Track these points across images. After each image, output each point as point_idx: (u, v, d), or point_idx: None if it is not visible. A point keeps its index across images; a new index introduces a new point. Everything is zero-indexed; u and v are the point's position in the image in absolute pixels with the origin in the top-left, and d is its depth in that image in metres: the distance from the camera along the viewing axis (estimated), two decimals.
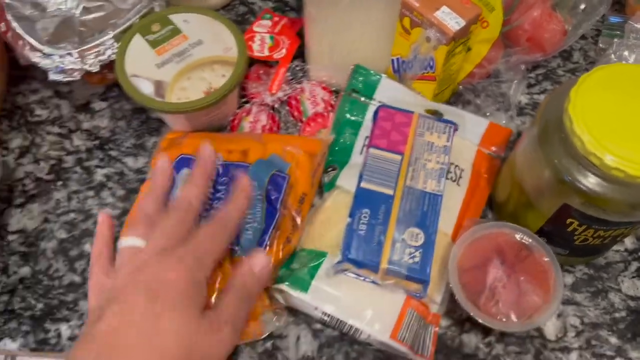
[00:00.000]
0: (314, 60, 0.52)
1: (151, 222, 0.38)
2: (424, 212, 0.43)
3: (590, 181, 0.37)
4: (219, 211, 0.39)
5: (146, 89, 0.46)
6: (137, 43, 0.48)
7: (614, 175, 0.35)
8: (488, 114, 0.53)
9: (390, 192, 0.44)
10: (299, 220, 0.44)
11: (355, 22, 0.47)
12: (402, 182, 0.44)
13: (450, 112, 0.51)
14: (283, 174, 0.44)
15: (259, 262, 0.38)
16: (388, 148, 0.46)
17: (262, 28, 0.56)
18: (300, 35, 0.56)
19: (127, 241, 0.38)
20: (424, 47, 0.45)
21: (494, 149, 0.51)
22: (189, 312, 0.34)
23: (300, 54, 0.55)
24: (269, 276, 0.39)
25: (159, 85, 0.46)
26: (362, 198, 0.44)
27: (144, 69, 0.47)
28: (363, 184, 0.44)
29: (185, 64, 0.48)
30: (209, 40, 0.49)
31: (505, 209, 0.47)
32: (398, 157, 0.46)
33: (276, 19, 0.57)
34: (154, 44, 0.48)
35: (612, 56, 0.51)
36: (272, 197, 0.43)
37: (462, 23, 0.43)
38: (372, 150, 0.46)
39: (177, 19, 0.50)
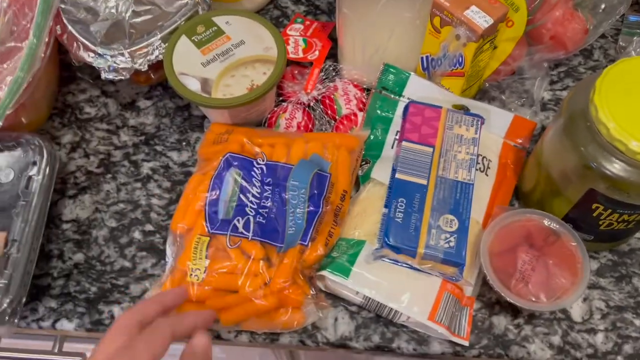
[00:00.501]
0: (346, 60, 0.55)
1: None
2: (457, 200, 0.46)
3: (615, 166, 0.39)
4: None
5: (193, 85, 0.49)
6: (184, 44, 0.52)
7: (639, 160, 0.38)
8: (513, 109, 0.56)
9: (424, 182, 0.47)
10: (340, 216, 0.46)
11: (387, 23, 0.50)
12: (434, 172, 0.47)
13: (477, 106, 0.53)
14: (325, 173, 0.47)
15: (199, 342, 0.38)
16: (419, 141, 0.49)
17: (295, 32, 0.59)
18: (332, 38, 0.59)
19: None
20: (454, 44, 0.48)
21: (519, 141, 0.53)
22: None
23: (331, 55, 0.58)
24: (210, 352, 0.39)
25: (205, 83, 0.50)
26: (398, 188, 0.46)
27: (190, 67, 0.50)
28: (398, 175, 0.47)
29: (228, 62, 0.51)
30: (250, 41, 0.52)
31: (532, 198, 0.50)
32: (429, 150, 0.48)
33: (307, 22, 0.61)
34: (199, 44, 0.52)
35: (633, 53, 0.53)
36: (315, 195, 0.46)
37: (491, 21, 0.45)
38: (404, 144, 0.49)
39: (220, 21, 0.53)
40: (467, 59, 0.49)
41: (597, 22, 0.55)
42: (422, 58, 0.53)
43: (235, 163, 0.48)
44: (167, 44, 0.51)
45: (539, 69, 0.56)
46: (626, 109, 0.38)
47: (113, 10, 0.53)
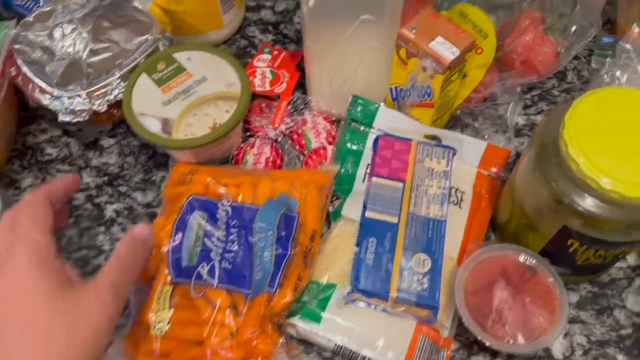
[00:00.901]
0: (314, 92, 0.54)
1: None
2: (429, 238, 0.44)
3: (588, 203, 0.38)
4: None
5: (153, 126, 0.48)
6: (144, 82, 0.50)
7: (611, 197, 0.36)
8: (486, 136, 0.54)
9: (394, 219, 0.45)
10: (309, 257, 0.45)
11: (353, 55, 0.48)
12: (405, 209, 0.46)
13: (449, 136, 0.52)
14: (293, 213, 0.45)
15: (139, 229, 0.41)
16: (389, 176, 0.47)
17: (262, 63, 0.57)
18: (300, 68, 0.57)
19: None
20: (421, 76, 0.47)
21: (493, 170, 0.52)
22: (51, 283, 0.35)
23: (301, 84, 0.56)
24: (151, 243, 0.42)
25: (165, 123, 0.48)
26: (368, 227, 0.45)
27: (150, 107, 0.49)
28: (368, 214, 0.45)
29: (190, 100, 0.49)
30: (213, 77, 0.50)
31: (507, 230, 0.48)
32: (400, 185, 0.47)
33: (275, 52, 0.59)
34: (159, 82, 0.50)
35: (605, 76, 0.52)
36: (283, 237, 0.44)
37: (457, 52, 0.44)
38: (374, 179, 0.47)
39: (181, 57, 0.52)
40: (435, 91, 0.47)
41: (568, 45, 0.54)
42: (391, 88, 0.52)
43: (200, 205, 0.46)
44: (126, 83, 0.50)
45: (512, 94, 0.55)
46: (596, 144, 0.37)
47: (70, 50, 0.51)
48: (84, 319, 0.34)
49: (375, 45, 0.47)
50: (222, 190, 0.47)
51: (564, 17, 0.52)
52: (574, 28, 0.53)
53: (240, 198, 0.47)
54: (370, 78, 0.51)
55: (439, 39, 0.45)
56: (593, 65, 0.57)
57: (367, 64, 0.49)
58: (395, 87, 0.51)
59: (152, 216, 0.52)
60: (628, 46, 0.51)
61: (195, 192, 0.47)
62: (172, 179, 0.50)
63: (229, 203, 0.47)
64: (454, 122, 0.56)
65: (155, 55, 0.52)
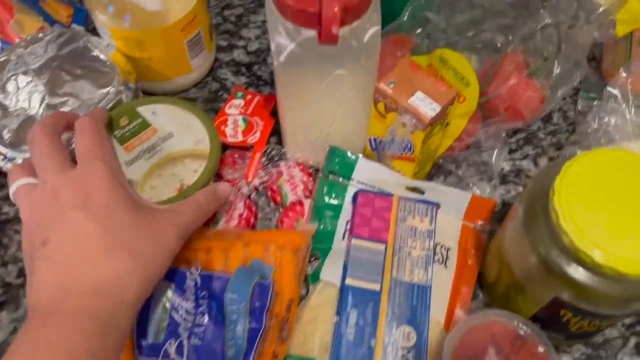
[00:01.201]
0: (289, 142, 0.51)
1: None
2: (414, 307, 0.41)
3: (581, 274, 0.35)
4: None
5: None
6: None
7: (606, 272, 0.34)
8: (471, 184, 0.52)
9: (376, 287, 0.42)
10: (286, 329, 0.42)
11: (329, 107, 0.46)
12: (388, 274, 0.43)
13: (431, 188, 0.49)
14: (267, 281, 0.42)
15: (222, 186, 0.46)
16: (370, 237, 0.44)
17: (234, 109, 0.54)
18: (274, 113, 0.54)
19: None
20: (401, 130, 0.44)
21: (479, 222, 0.49)
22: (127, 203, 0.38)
23: (275, 131, 0.54)
24: (226, 199, 0.47)
25: (128, 185, 0.44)
26: (349, 296, 0.42)
27: None
28: (348, 281, 0.42)
29: (155, 160, 0.46)
30: (180, 132, 0.47)
31: (496, 291, 0.45)
32: (382, 247, 0.44)
33: (249, 97, 0.56)
34: (122, 140, 0.47)
35: (593, 124, 0.50)
36: (257, 309, 0.41)
37: (438, 108, 0.42)
38: (354, 241, 0.44)
39: (145, 111, 0.48)
40: (416, 146, 0.45)
41: (553, 89, 0.51)
42: (370, 139, 0.49)
43: (166, 275, 0.43)
44: None
45: (496, 139, 0.52)
46: (590, 213, 0.35)
47: (25, 105, 0.47)
48: (161, 237, 0.38)
49: (351, 98, 0.44)
50: (190, 257, 0.44)
51: (549, 61, 0.50)
52: (559, 71, 0.51)
53: (210, 266, 0.44)
54: (348, 130, 0.48)
55: (419, 94, 0.42)
56: (579, 107, 0.55)
57: (343, 116, 0.47)
58: (374, 139, 0.49)
59: None
60: (615, 91, 0.49)
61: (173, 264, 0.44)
62: None
63: (198, 272, 0.43)
64: (437, 170, 0.53)
65: (117, 109, 0.48)
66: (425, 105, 0.41)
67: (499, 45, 0.52)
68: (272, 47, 0.41)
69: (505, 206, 0.52)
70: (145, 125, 0.47)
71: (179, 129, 0.48)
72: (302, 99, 0.45)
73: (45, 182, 0.37)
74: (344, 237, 0.47)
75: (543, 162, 0.54)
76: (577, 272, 0.35)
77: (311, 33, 0.39)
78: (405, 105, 0.42)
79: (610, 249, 0.33)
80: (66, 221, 0.36)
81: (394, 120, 0.44)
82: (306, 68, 0.42)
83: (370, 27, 0.40)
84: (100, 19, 0.50)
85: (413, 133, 0.43)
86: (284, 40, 0.41)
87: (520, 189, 0.53)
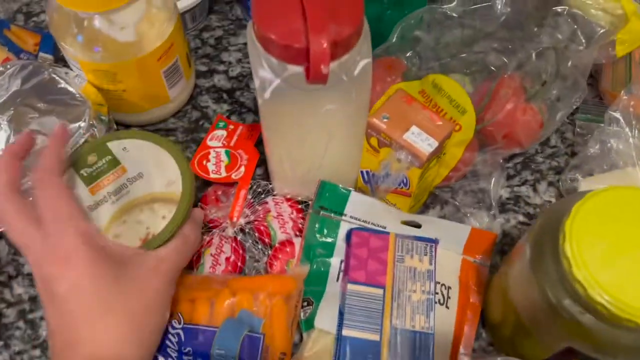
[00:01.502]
0: (276, 177, 0.48)
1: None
2: (416, 357, 0.39)
3: (596, 325, 0.33)
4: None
5: None
6: (70, 180, 0.42)
7: (624, 324, 0.31)
8: (468, 214, 0.49)
9: (376, 337, 0.39)
10: None
11: (318, 141, 0.43)
12: (387, 322, 0.40)
13: (429, 222, 0.46)
14: (257, 334, 0.39)
15: (196, 212, 0.44)
16: (367, 282, 0.41)
17: (216, 141, 0.51)
18: (259, 144, 0.51)
19: None
20: (396, 166, 0.41)
21: (479, 256, 0.46)
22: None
23: (262, 161, 0.50)
24: (202, 222, 0.45)
25: None
26: (346, 348, 0.39)
27: None
28: (345, 331, 0.39)
29: (121, 204, 0.42)
30: (150, 172, 0.43)
31: (501, 333, 0.43)
32: (380, 292, 0.41)
33: (231, 127, 0.53)
34: (88, 180, 0.43)
35: (594, 147, 0.48)
36: None
37: (435, 144, 0.39)
38: (350, 287, 0.41)
39: (115, 147, 0.44)
40: (412, 182, 0.42)
41: (552, 112, 0.49)
42: (362, 172, 0.46)
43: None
44: None
45: (493, 166, 0.50)
46: (604, 261, 0.32)
47: None
48: (150, 292, 0.37)
49: (342, 132, 0.42)
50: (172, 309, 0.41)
51: (547, 84, 0.47)
52: (557, 94, 0.48)
53: (194, 318, 0.40)
54: (339, 163, 0.45)
55: (414, 129, 0.39)
56: (578, 129, 0.52)
57: (334, 150, 0.43)
58: (367, 172, 0.46)
59: None
60: (617, 115, 0.46)
61: None
62: None
63: (180, 325, 0.40)
64: (432, 199, 0.50)
65: (86, 145, 0.44)
66: (422, 141, 0.39)
67: (492, 67, 0.49)
68: (256, 83, 0.38)
69: (506, 236, 0.49)
70: (114, 163, 0.43)
71: (149, 169, 0.44)
72: (289, 135, 0.42)
73: (28, 248, 0.37)
74: (338, 279, 0.44)
75: (542, 187, 0.52)
76: (592, 323, 0.33)
77: (298, 69, 0.36)
78: (400, 141, 0.39)
79: (627, 298, 0.31)
80: (55, 295, 0.35)
81: (388, 155, 0.41)
82: (293, 103, 0.39)
83: (360, 60, 0.38)
84: (69, 51, 0.46)
85: (409, 169, 0.41)
86: (269, 75, 0.38)
87: (520, 217, 0.50)
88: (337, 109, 0.39)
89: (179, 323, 0.40)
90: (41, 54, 0.55)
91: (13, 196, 0.37)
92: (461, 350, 0.42)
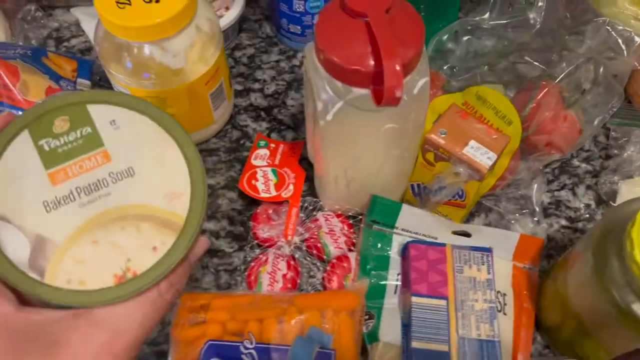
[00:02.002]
0: (327, 194, 0.49)
1: None
2: None
3: None
4: None
5: (16, 248, 0.26)
6: (21, 149, 0.27)
7: None
8: (513, 221, 0.51)
9: (444, 348, 0.40)
10: None
11: (376, 158, 0.44)
12: (454, 332, 0.41)
13: (478, 231, 0.48)
14: (328, 350, 0.40)
15: (199, 250, 0.30)
16: (430, 293, 0.43)
17: (261, 160, 0.52)
18: (301, 161, 0.52)
19: None
20: (452, 179, 0.42)
21: (528, 262, 0.48)
22: None
23: (306, 178, 0.51)
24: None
25: (39, 246, 0.26)
26: None
27: (20, 206, 0.27)
28: (415, 344, 0.40)
29: (94, 211, 0.27)
30: (146, 172, 0.28)
31: (559, 337, 0.44)
32: (443, 303, 0.42)
33: (272, 145, 0.54)
34: (50, 158, 0.27)
35: (630, 150, 0.49)
36: None
37: (494, 157, 0.40)
38: (414, 299, 0.42)
39: (101, 115, 0.29)
40: (469, 194, 0.43)
41: (589, 119, 0.51)
42: (412, 185, 0.48)
43: (219, 353, 0.40)
44: None
45: (534, 173, 0.51)
46: None
47: None
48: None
49: (399, 149, 0.43)
50: (241, 328, 0.41)
51: (586, 93, 0.49)
52: (595, 102, 0.50)
53: (264, 337, 0.41)
54: (390, 179, 0.46)
55: (473, 143, 0.40)
56: (612, 133, 0.54)
57: (389, 166, 0.45)
58: (418, 185, 0.47)
59: (160, 355, 0.45)
60: None
61: (211, 337, 0.41)
62: (181, 316, 0.43)
63: (252, 346, 0.41)
64: (477, 208, 0.52)
65: (55, 99, 0.28)
66: (481, 155, 0.40)
67: (529, 77, 0.51)
68: (318, 106, 0.39)
69: (550, 241, 0.51)
70: (93, 141, 0.28)
71: (145, 165, 0.28)
72: (348, 154, 0.43)
73: None
74: (395, 292, 0.45)
75: (581, 191, 0.53)
76: None
77: (362, 91, 0.37)
78: (460, 155, 0.40)
79: None
80: None
81: (445, 169, 0.42)
82: (354, 124, 0.40)
83: (419, 79, 0.39)
84: (118, 78, 0.47)
85: (466, 182, 0.42)
86: (331, 98, 0.39)
87: (563, 221, 0.52)
88: (396, 128, 0.40)
89: (251, 343, 0.41)
90: (79, 80, 0.56)
91: None
92: (520, 353, 0.43)
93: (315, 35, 0.37)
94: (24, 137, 0.28)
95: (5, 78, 0.49)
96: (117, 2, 0.42)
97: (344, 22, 0.36)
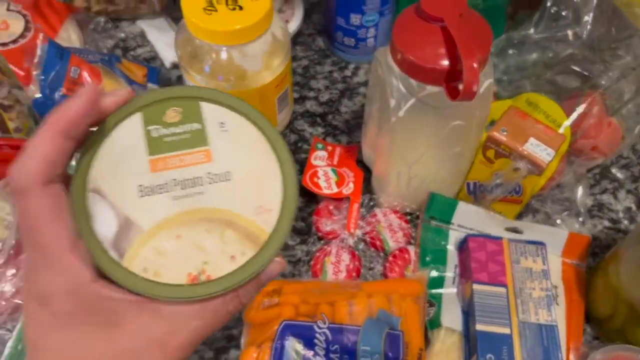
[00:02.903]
0: (386, 191, 0.52)
1: None
2: (546, 347, 0.42)
3: None
4: None
5: (104, 224, 0.27)
6: (131, 130, 0.28)
7: None
8: (559, 221, 0.54)
9: (507, 330, 0.43)
10: None
11: (439, 155, 0.47)
12: (514, 317, 0.44)
13: (529, 228, 0.51)
14: (396, 331, 0.42)
15: (273, 268, 0.29)
16: (490, 281, 0.45)
17: (320, 161, 0.55)
18: (358, 162, 0.56)
19: None
20: (511, 175, 0.46)
21: (577, 259, 0.51)
22: None
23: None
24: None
25: (125, 228, 0.27)
26: (483, 342, 0.42)
27: (117, 185, 0.28)
28: (479, 326, 0.43)
29: (185, 207, 0.27)
30: (242, 180, 0.29)
31: (610, 326, 0.47)
32: (503, 290, 0.45)
33: (329, 148, 0.57)
34: (154, 145, 0.28)
35: None
36: None
37: (553, 154, 0.43)
38: (475, 287, 0.45)
39: (212, 114, 0.30)
40: (526, 189, 0.46)
41: (630, 125, 0.54)
42: (468, 183, 0.51)
43: (294, 332, 0.43)
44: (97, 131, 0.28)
45: (578, 177, 0.54)
46: None
47: None
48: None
49: (461, 146, 0.46)
50: (314, 310, 0.44)
51: (628, 101, 0.52)
52: (637, 111, 0.53)
53: (336, 318, 0.44)
54: (448, 177, 0.50)
55: (532, 140, 0.44)
56: None
57: (449, 163, 0.48)
58: (475, 183, 0.50)
59: (230, 339, 0.48)
60: None
61: (286, 317, 0.44)
62: (255, 300, 0.46)
63: (326, 325, 0.43)
64: (525, 209, 0.55)
65: (170, 90, 0.30)
66: (541, 151, 0.43)
67: (575, 87, 0.54)
68: (392, 103, 0.43)
69: (595, 240, 0.54)
70: (200, 139, 0.28)
71: (243, 172, 0.29)
72: (414, 151, 0.46)
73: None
74: (453, 282, 0.48)
75: (622, 195, 0.56)
76: None
77: (435, 89, 0.41)
78: (521, 151, 0.43)
79: None
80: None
81: (505, 165, 0.45)
82: (422, 120, 0.44)
83: (485, 80, 0.42)
84: (196, 78, 0.51)
85: (525, 177, 0.45)
86: (404, 95, 0.42)
87: (606, 222, 0.55)
88: (461, 125, 0.44)
89: (324, 323, 0.43)
90: (149, 85, 0.60)
91: (40, 195, 0.25)
92: (572, 342, 0.46)
93: (392, 37, 0.41)
94: (136, 119, 0.28)
95: (88, 79, 0.53)
96: (204, 9, 0.47)
97: (420, 26, 0.40)
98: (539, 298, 0.45)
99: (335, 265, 0.49)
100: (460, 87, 0.39)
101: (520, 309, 0.44)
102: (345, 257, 0.50)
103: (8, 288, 0.42)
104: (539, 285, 0.45)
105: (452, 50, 0.39)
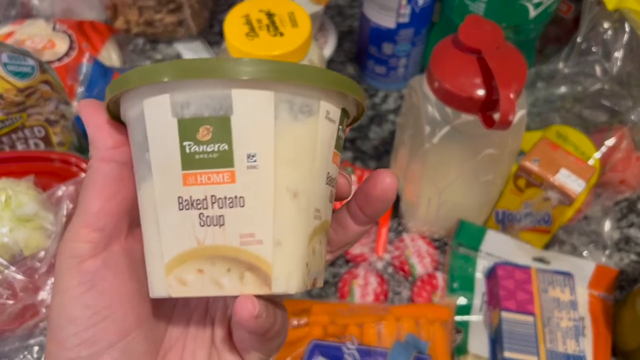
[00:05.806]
0: (415, 216, 0.53)
1: None
2: None
3: None
4: None
5: None
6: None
7: None
8: (585, 253, 0.54)
9: (534, 359, 0.43)
10: None
11: (470, 183, 0.48)
12: (542, 346, 0.44)
13: (556, 258, 0.51)
14: (424, 355, 0.43)
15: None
16: (518, 309, 0.46)
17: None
18: None
19: None
20: (541, 205, 0.46)
21: (604, 291, 0.51)
22: None
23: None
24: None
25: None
26: None
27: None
28: (507, 354, 0.43)
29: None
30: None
31: (637, 359, 0.46)
32: (531, 319, 0.45)
33: (359, 172, 0.58)
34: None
35: None
36: None
37: (583, 185, 0.44)
38: (504, 315, 0.45)
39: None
40: (556, 219, 0.47)
41: None
42: (497, 211, 0.51)
43: (323, 351, 0.44)
44: None
45: (605, 210, 0.55)
46: None
47: None
48: None
49: (492, 175, 0.47)
50: (343, 331, 0.45)
51: None
52: None
53: (364, 340, 0.44)
54: (478, 204, 0.51)
55: (564, 171, 0.44)
56: None
57: (478, 192, 0.49)
58: (503, 211, 0.51)
59: None
60: None
61: (315, 337, 0.44)
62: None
63: (354, 347, 0.44)
64: (551, 240, 0.55)
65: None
66: (572, 182, 0.44)
67: (602, 120, 0.55)
68: (426, 129, 0.44)
69: (622, 273, 0.54)
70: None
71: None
72: (446, 178, 0.47)
73: None
74: (480, 309, 0.48)
75: None
76: None
77: (470, 117, 0.42)
78: (552, 181, 0.44)
79: None
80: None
81: (535, 195, 0.46)
82: (455, 148, 0.45)
83: (519, 110, 0.43)
84: None
85: (555, 207, 0.46)
86: (439, 123, 0.43)
87: (633, 256, 0.55)
88: (494, 153, 0.45)
89: (353, 344, 0.44)
90: None
91: (108, 168, 0.24)
92: None
93: (429, 66, 0.42)
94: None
95: None
96: (247, 34, 0.48)
97: (457, 57, 0.42)
98: (566, 328, 0.45)
99: (363, 288, 0.50)
100: (496, 116, 0.40)
101: (548, 337, 0.44)
102: (373, 281, 0.50)
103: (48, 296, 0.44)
104: (567, 315, 0.46)
105: (488, 81, 0.40)
